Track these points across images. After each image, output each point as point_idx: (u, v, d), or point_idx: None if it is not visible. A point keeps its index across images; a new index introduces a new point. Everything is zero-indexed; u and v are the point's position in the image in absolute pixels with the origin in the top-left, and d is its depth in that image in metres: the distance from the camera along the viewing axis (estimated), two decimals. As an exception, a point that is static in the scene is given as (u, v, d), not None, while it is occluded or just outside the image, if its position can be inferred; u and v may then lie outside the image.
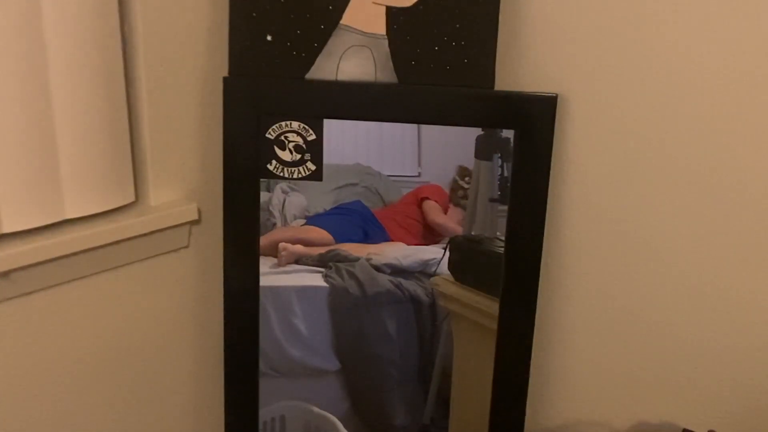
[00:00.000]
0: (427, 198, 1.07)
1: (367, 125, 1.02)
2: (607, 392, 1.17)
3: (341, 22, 0.99)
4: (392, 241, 1.08)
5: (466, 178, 1.05)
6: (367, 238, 1.08)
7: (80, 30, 0.89)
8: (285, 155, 1.03)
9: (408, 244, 1.08)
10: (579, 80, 1.03)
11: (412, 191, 1.07)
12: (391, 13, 0.99)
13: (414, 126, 1.03)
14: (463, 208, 1.05)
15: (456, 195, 1.05)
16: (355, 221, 1.07)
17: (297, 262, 1.08)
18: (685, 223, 1.05)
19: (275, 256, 1.07)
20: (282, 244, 1.07)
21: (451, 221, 1.06)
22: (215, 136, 1.07)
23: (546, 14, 1.01)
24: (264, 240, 1.06)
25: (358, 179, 1.06)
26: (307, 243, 1.07)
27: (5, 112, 0.85)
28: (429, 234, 1.08)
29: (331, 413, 1.14)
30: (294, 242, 1.07)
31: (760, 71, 0.97)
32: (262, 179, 1.04)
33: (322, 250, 1.08)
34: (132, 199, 1.02)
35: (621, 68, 1.01)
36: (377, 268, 1.08)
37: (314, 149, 1.03)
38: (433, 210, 1.07)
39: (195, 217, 1.06)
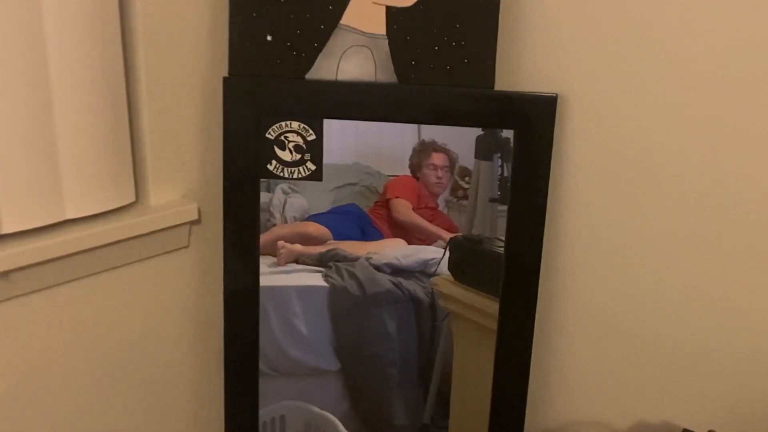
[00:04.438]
0: (394, 197, 1.06)
1: (367, 125, 1.02)
2: (607, 392, 1.17)
3: (341, 22, 0.99)
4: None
5: (466, 178, 1.05)
6: (365, 237, 1.08)
7: (80, 30, 0.89)
8: (285, 155, 1.03)
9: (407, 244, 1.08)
10: (579, 80, 1.03)
11: (382, 191, 1.06)
12: (391, 13, 0.99)
13: (414, 126, 1.03)
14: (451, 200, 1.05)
15: (456, 195, 1.05)
16: (353, 221, 1.07)
17: (296, 261, 1.08)
18: (685, 223, 1.05)
19: (275, 255, 1.07)
20: (280, 243, 1.07)
21: (415, 216, 1.05)
22: (215, 136, 1.07)
23: (546, 14, 1.01)
24: (263, 237, 1.06)
25: (358, 179, 1.06)
26: (305, 237, 1.07)
27: (5, 113, 0.85)
28: (409, 233, 1.07)
29: (331, 413, 1.14)
30: (292, 236, 1.07)
31: (761, 71, 0.97)
32: (262, 179, 1.04)
33: (322, 248, 1.08)
34: (132, 199, 1.02)
35: (621, 68, 1.01)
36: (377, 268, 1.08)
37: (314, 149, 1.03)
38: (396, 208, 1.06)
39: (195, 217, 1.06)
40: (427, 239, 1.07)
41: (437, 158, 1.03)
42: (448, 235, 1.06)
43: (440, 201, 1.06)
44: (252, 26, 0.98)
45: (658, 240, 1.07)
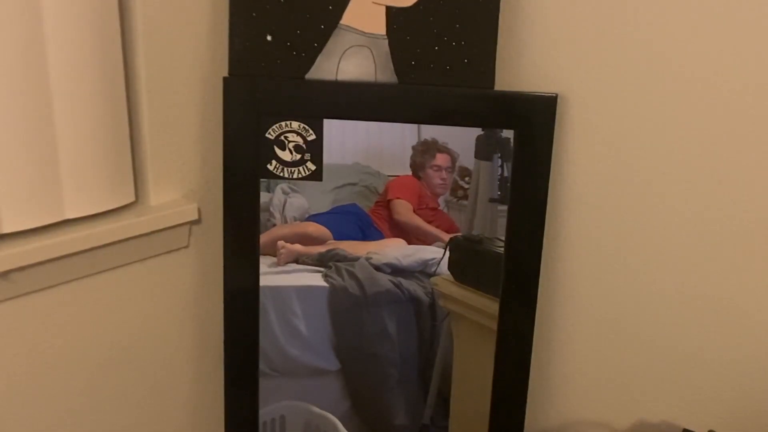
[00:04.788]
0: (395, 198, 1.06)
1: (367, 125, 1.02)
2: (607, 392, 1.17)
3: (341, 22, 0.99)
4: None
5: (466, 178, 1.05)
6: (365, 238, 1.08)
7: (80, 30, 0.89)
8: (285, 155, 1.03)
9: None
10: (579, 80, 1.03)
11: (383, 191, 1.06)
12: (391, 13, 0.99)
13: (414, 126, 1.03)
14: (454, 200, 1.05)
15: (456, 195, 1.05)
16: (352, 221, 1.08)
17: (296, 261, 1.08)
18: (685, 223, 1.05)
19: (275, 255, 1.07)
20: (280, 243, 1.07)
21: (415, 217, 1.05)
22: (215, 136, 1.07)
23: (546, 14, 1.01)
24: (263, 237, 1.06)
25: (357, 179, 1.06)
26: (305, 237, 1.07)
27: (5, 112, 0.85)
28: (408, 233, 1.07)
29: (331, 413, 1.14)
30: (293, 236, 1.07)
31: (761, 71, 0.97)
32: (262, 179, 1.04)
33: (322, 248, 1.08)
34: (132, 199, 1.02)
35: (621, 68, 1.01)
36: (377, 268, 1.08)
37: (314, 149, 1.03)
38: (396, 209, 1.06)
39: (195, 217, 1.06)
40: (427, 240, 1.07)
41: (442, 159, 1.03)
42: (447, 237, 1.06)
43: (440, 201, 1.06)
44: (252, 26, 0.98)
45: (658, 240, 1.07)
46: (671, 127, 1.02)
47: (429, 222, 1.06)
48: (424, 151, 1.03)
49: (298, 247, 1.07)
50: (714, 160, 1.02)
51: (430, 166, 1.04)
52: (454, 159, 1.03)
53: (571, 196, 1.08)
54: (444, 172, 1.04)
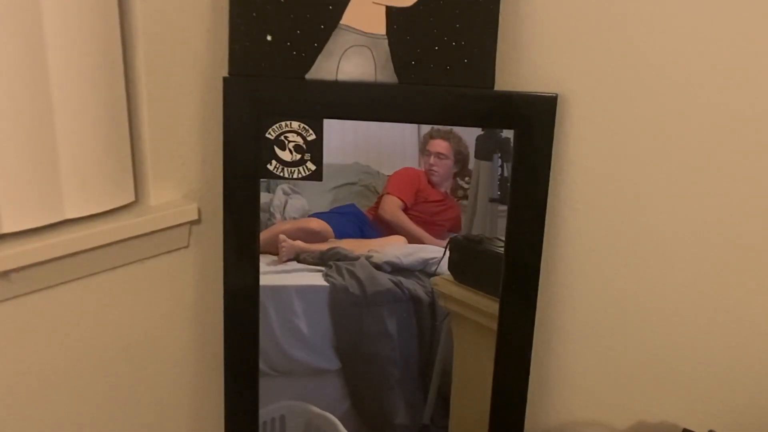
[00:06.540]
0: (386, 193, 1.06)
1: (367, 125, 1.02)
2: (607, 392, 1.17)
3: (341, 22, 0.99)
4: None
5: (466, 178, 1.05)
6: (363, 237, 1.08)
7: (80, 30, 0.89)
8: (285, 155, 1.03)
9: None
10: (579, 80, 1.03)
11: (384, 186, 1.06)
12: (391, 13, 0.99)
13: (414, 126, 1.03)
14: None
15: (456, 195, 1.05)
16: (352, 221, 1.08)
17: (297, 259, 1.08)
18: (685, 222, 1.05)
19: (276, 253, 1.07)
20: (281, 236, 1.06)
21: (400, 215, 1.05)
22: (215, 136, 1.07)
23: (546, 14, 1.01)
24: (265, 234, 1.06)
25: (357, 178, 1.06)
26: (307, 232, 1.07)
27: (5, 112, 0.85)
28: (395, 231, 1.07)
29: (331, 413, 1.14)
30: (295, 231, 1.07)
31: (760, 71, 0.97)
32: (262, 179, 1.04)
33: (323, 246, 1.08)
34: (132, 199, 1.02)
35: (621, 68, 1.01)
36: (377, 267, 1.08)
37: (314, 149, 1.03)
38: (382, 206, 1.06)
39: (195, 217, 1.06)
40: (412, 240, 1.06)
41: (434, 145, 1.03)
42: (430, 239, 1.05)
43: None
44: (252, 26, 0.98)
45: (658, 240, 1.07)
46: (671, 127, 1.02)
47: (434, 215, 1.06)
48: (428, 135, 1.02)
49: (299, 243, 1.07)
50: (714, 160, 1.02)
51: (424, 150, 1.03)
52: (453, 146, 1.02)
53: (571, 196, 1.08)
54: (434, 157, 1.03)
